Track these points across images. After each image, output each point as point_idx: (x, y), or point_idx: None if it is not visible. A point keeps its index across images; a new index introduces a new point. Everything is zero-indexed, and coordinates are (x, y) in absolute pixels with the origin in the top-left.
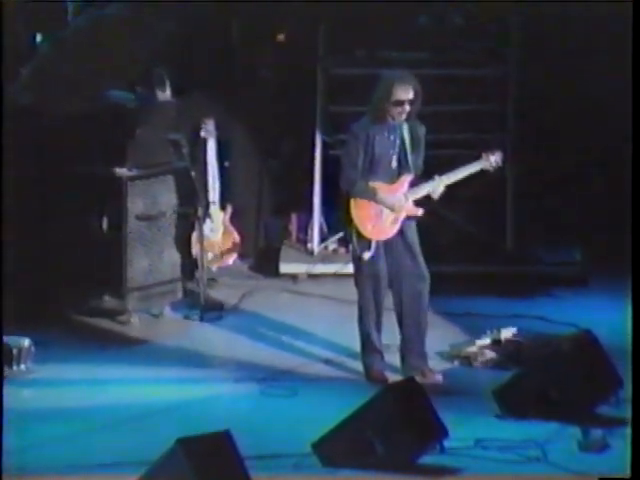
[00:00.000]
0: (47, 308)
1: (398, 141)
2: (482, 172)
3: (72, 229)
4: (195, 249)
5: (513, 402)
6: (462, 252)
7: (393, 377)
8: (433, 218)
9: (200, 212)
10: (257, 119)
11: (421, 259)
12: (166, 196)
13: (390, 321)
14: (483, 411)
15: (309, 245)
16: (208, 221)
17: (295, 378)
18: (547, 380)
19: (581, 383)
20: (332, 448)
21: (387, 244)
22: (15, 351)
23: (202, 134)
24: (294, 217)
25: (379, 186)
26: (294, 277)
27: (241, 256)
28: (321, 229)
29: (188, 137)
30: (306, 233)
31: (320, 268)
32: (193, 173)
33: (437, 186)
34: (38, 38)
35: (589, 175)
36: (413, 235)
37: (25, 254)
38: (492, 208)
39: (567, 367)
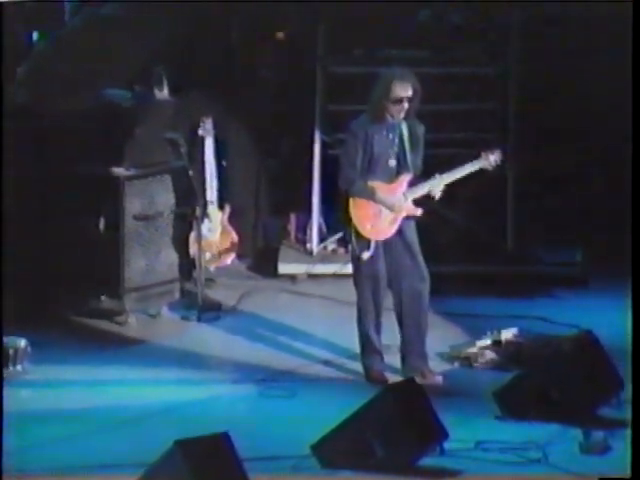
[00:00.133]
0: (44, 308)
1: (397, 140)
2: (482, 171)
3: (69, 229)
4: (193, 249)
5: (514, 403)
6: (462, 252)
7: (393, 378)
8: (433, 218)
9: (198, 212)
10: (256, 118)
11: (421, 259)
12: (164, 196)
13: (390, 321)
14: (483, 412)
15: (308, 245)
16: (206, 221)
17: (294, 379)
18: (548, 381)
19: (582, 384)
20: (331, 450)
21: (386, 244)
22: (11, 352)
23: (200, 133)
24: (293, 217)
25: (378, 185)
26: (293, 277)
27: (239, 256)
28: (320, 229)
29: (186, 136)
30: (305, 233)
31: (319, 268)
32: (191, 172)
33: (436, 185)
34: (35, 36)
35: (589, 175)
36: (412, 235)
37: (22, 254)
38: (492, 208)
39: (568, 368)
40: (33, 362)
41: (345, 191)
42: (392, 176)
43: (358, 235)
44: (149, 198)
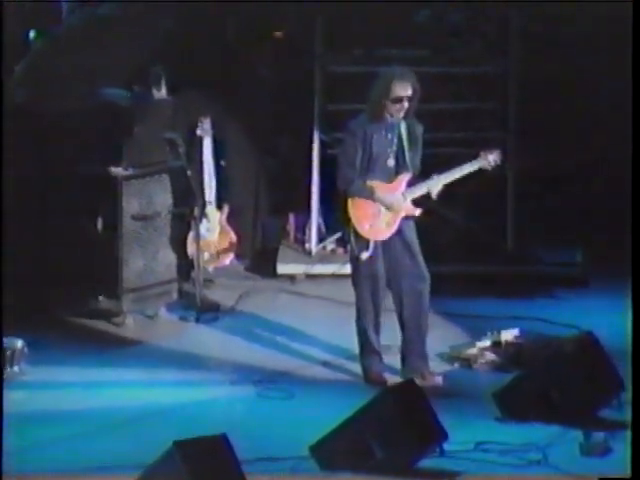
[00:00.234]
0: (41, 309)
1: (396, 140)
2: (481, 171)
3: (67, 229)
4: (191, 249)
5: (514, 405)
6: (462, 252)
7: (392, 379)
8: (433, 218)
9: (196, 212)
10: (254, 117)
11: (421, 259)
12: (162, 196)
13: (389, 322)
14: (483, 414)
15: (307, 245)
16: (204, 221)
17: (292, 380)
18: (548, 382)
19: (583, 385)
20: (330, 451)
21: (385, 244)
22: (8, 352)
23: (198, 133)
24: (292, 217)
25: (377, 185)
26: (292, 278)
27: (238, 256)
28: (319, 229)
29: (184, 136)
30: (304, 233)
31: (318, 268)
32: (189, 172)
33: (435, 185)
34: (31, 35)
35: (589, 175)
36: (412, 234)
37: (19, 254)
38: (492, 208)
39: (568, 369)
40: (30, 363)
41: (344, 191)
42: (391, 176)
43: (357, 235)
44: (147, 198)
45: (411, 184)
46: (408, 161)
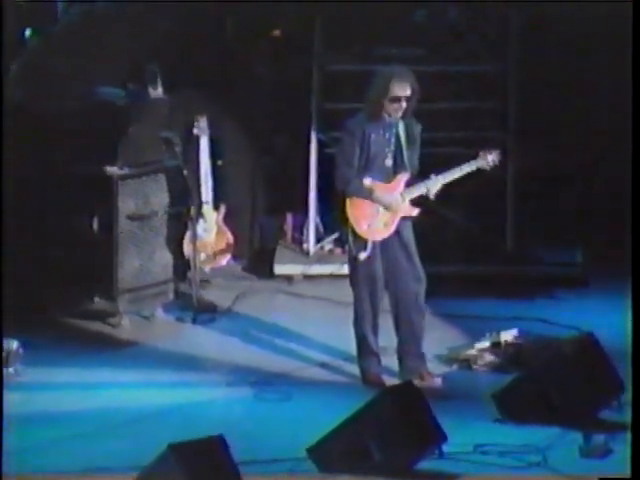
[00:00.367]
0: (36, 310)
1: (393, 139)
2: (480, 171)
3: (62, 229)
4: (187, 250)
5: (513, 406)
6: (461, 252)
7: (390, 380)
8: (432, 218)
9: (193, 212)
10: (251, 116)
11: (417, 260)
12: (158, 195)
13: (387, 323)
14: (482, 415)
15: (304, 245)
16: (201, 221)
17: (290, 382)
18: (548, 384)
19: (583, 387)
20: (328, 453)
21: (383, 244)
22: (4, 354)
23: (195, 132)
24: (289, 217)
25: (375, 185)
26: (289, 278)
27: (235, 257)
28: (317, 229)
29: (180, 135)
30: (301, 233)
31: (316, 269)
32: (185, 172)
33: (433, 185)
34: (27, 33)
35: (589, 175)
36: (409, 235)
37: (14, 254)
38: (491, 207)
39: (568, 370)
40: (25, 364)
41: (342, 191)
42: (389, 175)
43: (355, 235)
44: (143, 198)
45: (409, 184)
46: (406, 161)
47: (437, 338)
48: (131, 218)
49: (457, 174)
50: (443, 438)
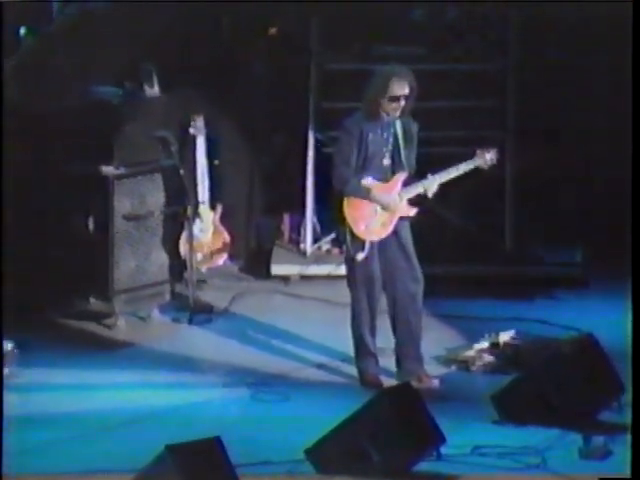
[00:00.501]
0: (31, 310)
1: (391, 138)
2: (478, 170)
3: (57, 229)
4: (184, 250)
5: (512, 407)
6: (459, 252)
7: (388, 382)
8: (429, 217)
9: (189, 211)
10: (248, 116)
11: (415, 260)
12: (154, 195)
13: (385, 324)
14: (481, 417)
15: (302, 245)
16: (197, 221)
17: (287, 383)
18: (547, 385)
19: (582, 388)
20: (325, 455)
21: (381, 244)
22: None
23: (191, 131)
24: (286, 217)
25: (373, 185)
26: (286, 279)
27: (231, 257)
28: (314, 229)
29: (177, 134)
30: (299, 233)
31: (313, 269)
32: (182, 171)
33: (431, 185)
34: (22, 31)
35: (589, 175)
36: (407, 235)
37: (9, 254)
38: (490, 207)
39: (568, 371)
40: (20, 365)
41: (339, 190)
42: (387, 175)
43: (352, 235)
44: (139, 197)
45: (407, 184)
46: (404, 160)
47: (435, 339)
48: (127, 218)
49: (455, 173)
50: (441, 440)
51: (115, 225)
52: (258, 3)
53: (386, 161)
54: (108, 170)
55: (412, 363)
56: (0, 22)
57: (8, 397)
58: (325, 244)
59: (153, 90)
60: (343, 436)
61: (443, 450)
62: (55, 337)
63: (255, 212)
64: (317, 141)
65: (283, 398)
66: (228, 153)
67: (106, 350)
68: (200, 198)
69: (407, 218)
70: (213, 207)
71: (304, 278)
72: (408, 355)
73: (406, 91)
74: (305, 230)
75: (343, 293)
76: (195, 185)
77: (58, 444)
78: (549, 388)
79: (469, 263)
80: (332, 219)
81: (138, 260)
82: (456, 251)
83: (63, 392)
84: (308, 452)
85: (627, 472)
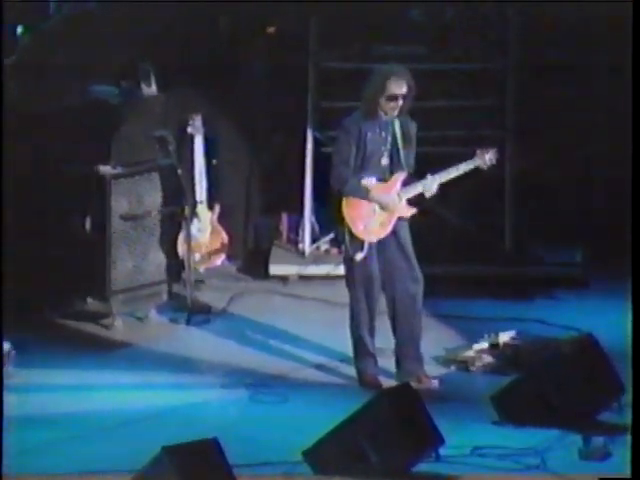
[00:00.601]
0: (28, 310)
1: (390, 138)
2: (477, 170)
3: (54, 229)
4: (182, 250)
5: (511, 408)
6: (459, 252)
7: (387, 382)
8: (429, 217)
9: (187, 211)
10: (246, 115)
11: (414, 260)
12: (152, 195)
13: (384, 324)
14: (480, 417)
15: (300, 246)
16: (195, 221)
17: (286, 384)
18: (547, 385)
19: (582, 388)
20: (324, 456)
21: (380, 244)
22: None
23: (189, 130)
24: (284, 216)
25: (372, 185)
26: (284, 279)
27: (229, 257)
28: (312, 229)
29: (174, 133)
30: (297, 233)
31: (311, 269)
32: (180, 171)
33: (430, 185)
34: (19, 30)
35: (589, 175)
36: (406, 235)
37: (4, 254)
38: (489, 207)
39: (567, 372)
40: (17, 366)
41: (338, 190)
42: (385, 174)
43: (351, 235)
44: (136, 197)
45: (406, 183)
46: (402, 160)
47: (434, 339)
48: (124, 218)
49: (454, 173)
50: (440, 440)
51: (112, 225)
52: (256, 2)
53: (384, 161)
54: (105, 170)
55: (412, 363)
56: (0, 22)
57: (5, 397)
58: (324, 244)
59: (151, 89)
60: (342, 437)
61: (442, 451)
62: (52, 337)
63: (253, 212)
64: (316, 140)
65: (282, 399)
66: (226, 152)
67: (103, 350)
68: (198, 198)
69: (406, 218)
70: (211, 207)
71: (303, 278)
72: (408, 355)
73: (404, 90)
74: (303, 230)
75: (342, 293)
76: (193, 185)
77: (55, 444)
78: (549, 388)
79: (469, 263)
80: (331, 219)
81: (135, 260)
82: (456, 251)
83: (60, 392)
84: (306, 453)
85: (627, 473)
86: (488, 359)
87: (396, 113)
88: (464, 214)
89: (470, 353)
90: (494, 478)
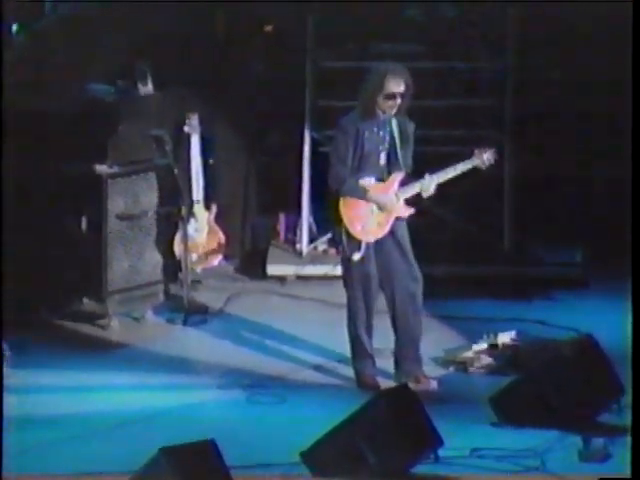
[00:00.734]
0: (24, 311)
1: (387, 137)
2: (476, 170)
3: (50, 229)
4: (178, 250)
5: (511, 409)
6: (457, 253)
7: (385, 383)
8: (427, 218)
9: (184, 211)
10: (243, 114)
11: (413, 260)
12: (148, 195)
13: (382, 324)
14: (479, 419)
15: (297, 246)
16: (192, 221)
17: (283, 384)
18: (546, 386)
19: (582, 389)
20: (322, 457)
21: (377, 244)
22: None
23: (186, 130)
24: (282, 216)
25: (369, 184)
26: (282, 279)
27: (226, 257)
28: (310, 229)
29: (171, 133)
30: (294, 233)
31: (309, 269)
32: (176, 170)
33: (428, 185)
34: (14, 28)
35: (589, 175)
36: (404, 235)
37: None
38: (488, 207)
39: (567, 373)
40: (13, 366)
41: (336, 190)
42: (383, 174)
43: (349, 235)
44: (133, 197)
45: (404, 183)
46: (400, 159)
47: (433, 340)
48: (120, 218)
49: (453, 173)
50: (439, 442)
51: (108, 225)
52: (253, 1)
53: (382, 160)
54: (102, 169)
55: (410, 364)
56: (0, 22)
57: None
58: (321, 244)
59: (147, 88)
60: (340, 438)
61: (441, 452)
62: (48, 338)
63: (250, 212)
64: (313, 140)
65: (279, 400)
66: (223, 152)
67: (100, 351)
68: (195, 197)
69: (404, 218)
70: (208, 207)
71: (300, 278)
72: (407, 356)
73: (402, 89)
74: (301, 230)
75: (340, 294)
76: (190, 184)
77: (50, 446)
78: (548, 390)
79: (468, 263)
80: (328, 219)
81: (132, 260)
82: (455, 251)
83: (56, 393)
84: (304, 454)
85: (627, 474)
86: (487, 360)
87: (394, 112)
88: (463, 214)
89: (469, 354)
90: None
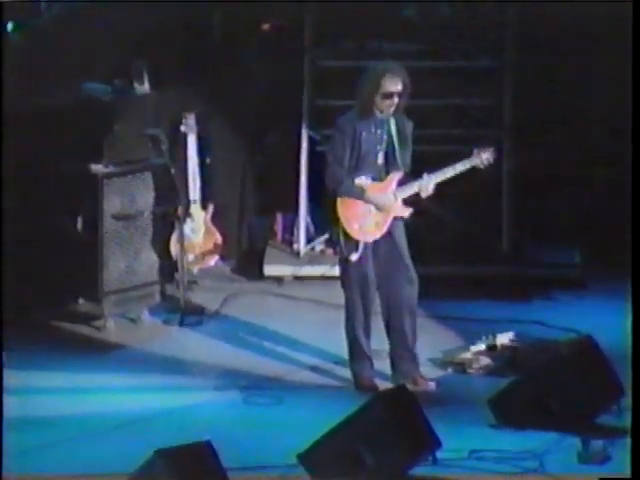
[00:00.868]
0: (19, 312)
1: (385, 136)
2: (475, 169)
3: (45, 229)
4: (175, 250)
5: (509, 411)
6: (456, 253)
7: (383, 385)
8: (425, 218)
9: (180, 211)
10: (240, 113)
11: (409, 261)
12: (144, 194)
13: (380, 325)
14: (478, 420)
15: (295, 246)
16: (188, 221)
17: (280, 386)
18: (545, 388)
19: (581, 391)
20: (319, 459)
21: (375, 245)
22: None
23: (182, 129)
24: (279, 216)
25: (367, 184)
26: (279, 279)
27: (223, 257)
28: (307, 229)
29: (167, 132)
30: (292, 233)
31: (306, 270)
32: (173, 170)
33: (426, 185)
34: (9, 27)
35: (588, 175)
36: (401, 235)
37: None
38: (487, 207)
39: (566, 374)
40: (8, 367)
41: (333, 190)
42: (381, 174)
43: (346, 236)
44: (129, 197)
45: (402, 183)
46: (398, 159)
47: (431, 341)
48: (116, 218)
49: (451, 173)
50: (437, 444)
51: (104, 225)
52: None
53: (380, 160)
54: (97, 169)
55: (407, 365)
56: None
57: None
58: (319, 244)
59: (143, 87)
60: (337, 440)
61: (439, 454)
62: (43, 339)
63: (247, 212)
64: (311, 139)
65: (276, 401)
66: (220, 151)
67: (95, 352)
68: (191, 197)
69: (401, 218)
70: (204, 207)
71: (297, 279)
72: (403, 357)
73: (399, 88)
74: (298, 230)
75: (337, 294)
76: (186, 184)
77: (45, 447)
78: (547, 391)
79: (466, 264)
80: (325, 219)
81: (128, 261)
82: (453, 252)
83: (52, 395)
84: (301, 456)
85: (627, 476)
86: (486, 361)
87: (392, 111)
88: (461, 214)
89: (467, 355)
90: None
